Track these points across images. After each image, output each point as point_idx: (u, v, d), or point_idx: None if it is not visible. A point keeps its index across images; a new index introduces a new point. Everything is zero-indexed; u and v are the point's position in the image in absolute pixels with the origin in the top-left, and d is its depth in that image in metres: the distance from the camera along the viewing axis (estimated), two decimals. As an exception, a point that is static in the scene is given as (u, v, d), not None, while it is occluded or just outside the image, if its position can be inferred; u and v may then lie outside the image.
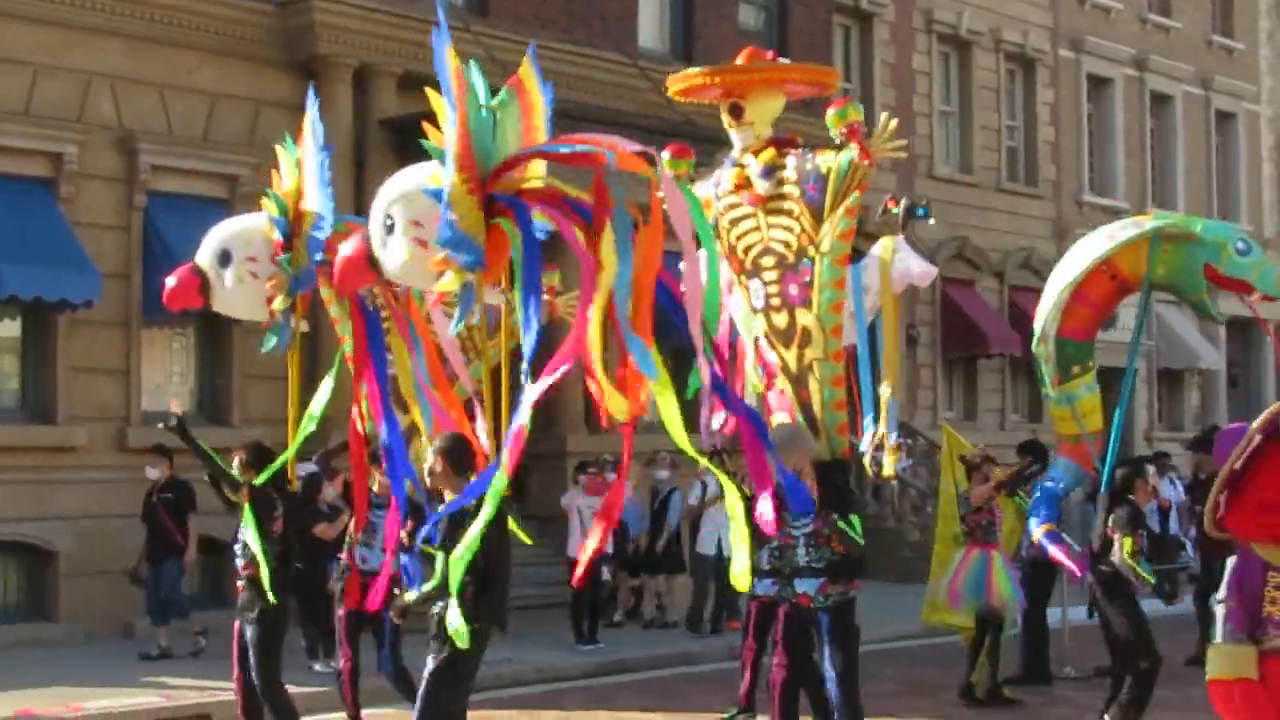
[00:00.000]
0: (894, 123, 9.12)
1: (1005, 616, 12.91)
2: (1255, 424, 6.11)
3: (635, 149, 7.48)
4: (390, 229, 7.98)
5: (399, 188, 8.13)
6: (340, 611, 10.84)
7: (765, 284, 9.53)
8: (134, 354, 16.49)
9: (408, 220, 7.89)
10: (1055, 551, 10.47)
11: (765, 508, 7.85)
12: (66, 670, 13.50)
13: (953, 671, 13.03)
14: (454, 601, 7.60)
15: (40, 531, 15.58)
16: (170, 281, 10.32)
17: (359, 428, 9.79)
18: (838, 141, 9.14)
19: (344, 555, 10.81)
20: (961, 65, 28.37)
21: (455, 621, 7.53)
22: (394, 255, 7.99)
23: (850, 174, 9.03)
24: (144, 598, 14.92)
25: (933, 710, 12.40)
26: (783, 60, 10.75)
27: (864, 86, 26.21)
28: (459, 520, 7.68)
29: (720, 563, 14.84)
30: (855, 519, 9.10)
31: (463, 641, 7.56)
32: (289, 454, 9.90)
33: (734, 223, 9.62)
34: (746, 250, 9.60)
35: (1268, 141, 35.10)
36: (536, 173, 7.97)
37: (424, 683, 7.96)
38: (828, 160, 9.15)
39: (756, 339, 9.75)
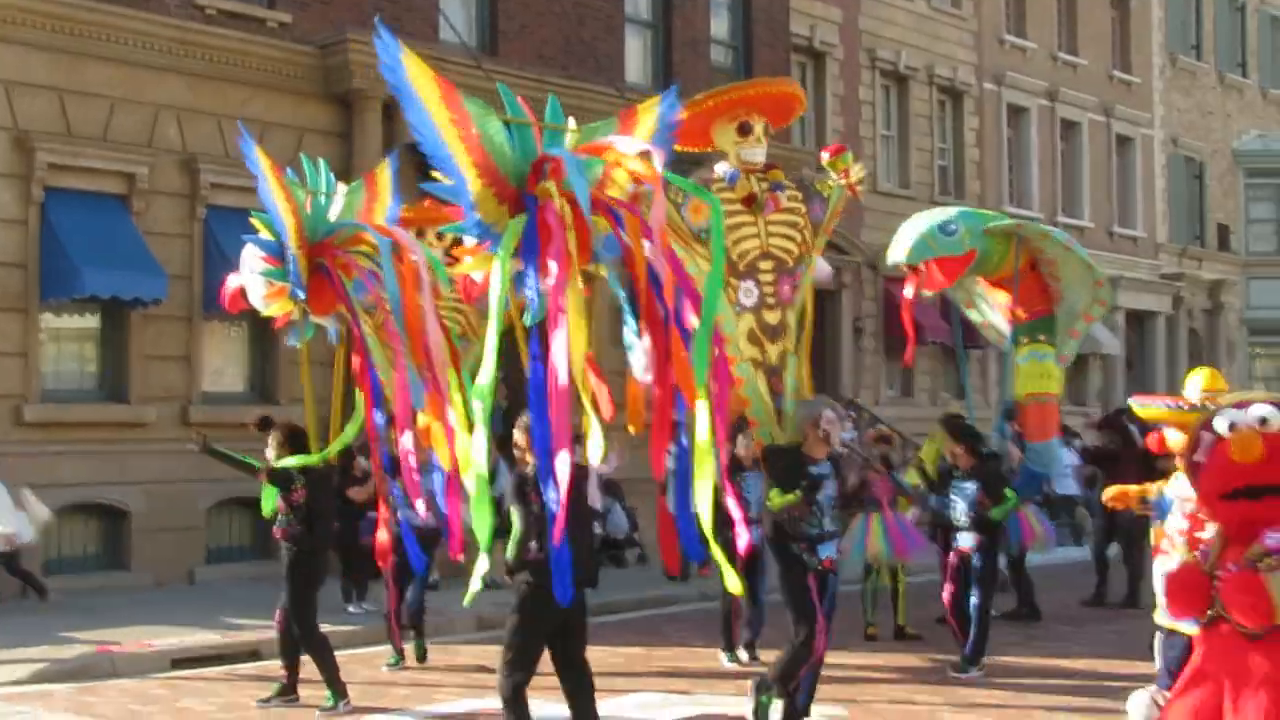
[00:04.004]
0: (864, 172, 9.96)
1: (887, 566, 12.71)
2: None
3: (639, 147, 7.02)
4: None
5: None
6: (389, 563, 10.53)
7: (761, 284, 9.09)
8: (195, 343, 16.48)
9: None
10: None
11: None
12: (140, 613, 13.47)
13: (890, 613, 12.92)
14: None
15: (116, 494, 15.58)
16: (227, 289, 10.70)
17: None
18: (833, 178, 9.56)
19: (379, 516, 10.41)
20: (900, 96, 28.36)
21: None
22: None
23: (839, 202, 9.57)
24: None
25: (879, 647, 12.42)
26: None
27: (818, 115, 26.16)
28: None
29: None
30: None
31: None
32: (334, 449, 9.88)
33: (730, 228, 8.94)
34: (742, 255, 9.10)
35: (1160, 161, 35.15)
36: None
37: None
38: (825, 189, 9.55)
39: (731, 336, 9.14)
